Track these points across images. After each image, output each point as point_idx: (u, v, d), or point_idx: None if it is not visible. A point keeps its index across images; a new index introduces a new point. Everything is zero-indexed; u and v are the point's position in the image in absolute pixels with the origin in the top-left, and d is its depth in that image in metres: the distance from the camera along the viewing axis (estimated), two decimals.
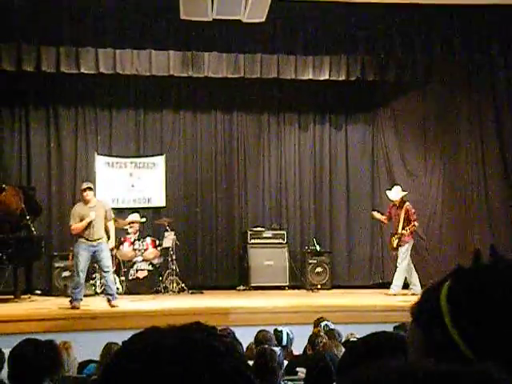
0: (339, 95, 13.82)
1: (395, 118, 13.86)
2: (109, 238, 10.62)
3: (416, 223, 11.84)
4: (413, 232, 11.90)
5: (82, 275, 10.28)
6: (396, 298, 11.19)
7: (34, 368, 3.75)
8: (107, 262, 10.50)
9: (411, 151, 13.65)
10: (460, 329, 1.16)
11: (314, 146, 14.19)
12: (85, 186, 10.57)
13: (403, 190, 12.12)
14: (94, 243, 10.30)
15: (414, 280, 11.83)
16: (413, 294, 11.68)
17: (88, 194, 10.42)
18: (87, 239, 10.27)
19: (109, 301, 10.35)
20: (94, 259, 10.44)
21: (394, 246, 11.88)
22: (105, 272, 10.43)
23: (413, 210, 11.93)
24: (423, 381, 0.88)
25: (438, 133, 13.34)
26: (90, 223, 10.28)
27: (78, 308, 10.14)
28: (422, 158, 13.54)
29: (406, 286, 11.88)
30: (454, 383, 0.88)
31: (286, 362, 6.31)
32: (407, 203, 11.95)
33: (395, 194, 12.05)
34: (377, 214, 12.36)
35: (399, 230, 11.77)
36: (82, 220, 10.29)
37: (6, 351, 4.59)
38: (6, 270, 11.31)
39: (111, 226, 10.75)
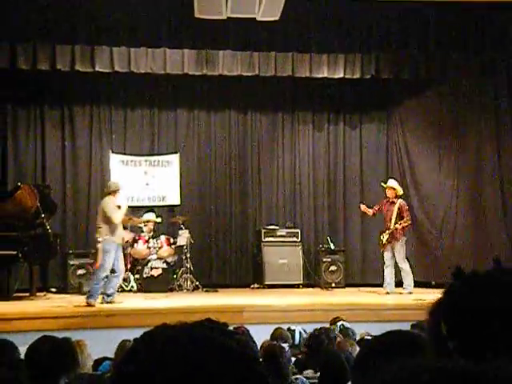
0: (354, 93, 13.81)
1: (410, 116, 13.81)
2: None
3: (408, 220, 11.82)
4: (405, 228, 11.85)
5: (108, 273, 10.37)
6: (410, 297, 11.17)
7: (50, 365, 3.77)
8: (123, 264, 10.71)
9: (426, 150, 13.58)
10: (448, 326, 1.22)
11: (329, 145, 14.18)
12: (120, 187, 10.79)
13: (399, 184, 12.11)
14: (118, 244, 10.50)
15: (390, 279, 11.82)
16: (387, 293, 11.67)
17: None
18: (117, 240, 10.44)
19: (106, 297, 10.42)
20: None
21: (384, 241, 11.82)
22: (117, 273, 10.49)
23: (406, 207, 11.92)
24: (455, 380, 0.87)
25: (453, 131, 13.26)
26: (119, 225, 10.48)
27: (93, 305, 10.16)
28: (437, 157, 13.46)
29: (399, 284, 11.93)
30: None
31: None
32: (401, 200, 11.93)
33: (389, 183, 12.04)
34: (363, 207, 12.29)
35: (391, 226, 11.73)
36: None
37: (23, 349, 4.61)
38: (21, 267, 11.37)
39: None
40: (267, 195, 14.01)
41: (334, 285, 12.97)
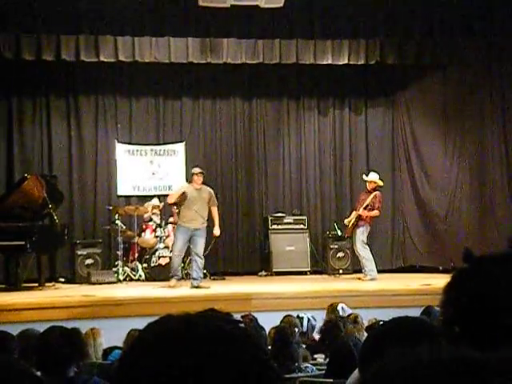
0: (359, 80, 13.77)
1: (415, 101, 13.77)
2: (213, 223, 11.09)
3: (378, 212, 11.77)
4: (372, 218, 11.80)
5: (180, 257, 11.01)
6: (418, 282, 11.16)
7: (59, 355, 3.79)
8: (201, 248, 10.92)
9: (431, 135, 13.55)
10: (454, 309, 1.23)
11: (334, 131, 14.16)
12: (198, 170, 11.04)
13: (380, 179, 12.03)
14: (192, 228, 10.81)
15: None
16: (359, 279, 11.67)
17: (200, 178, 10.94)
18: (187, 224, 10.82)
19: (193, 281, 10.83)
20: (190, 243, 10.95)
21: (350, 226, 11.81)
22: (197, 256, 10.85)
23: (381, 199, 11.85)
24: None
25: (458, 116, 13.20)
26: (193, 210, 10.74)
27: (173, 286, 10.70)
28: (442, 142, 13.43)
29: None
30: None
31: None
32: (377, 192, 11.87)
33: (370, 177, 12.01)
34: (346, 221, 12.20)
35: (360, 210, 11.68)
36: (185, 199, 10.84)
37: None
38: (29, 258, 11.40)
39: (215, 211, 11.15)
40: (273, 182, 14.01)
41: (341, 271, 12.96)
